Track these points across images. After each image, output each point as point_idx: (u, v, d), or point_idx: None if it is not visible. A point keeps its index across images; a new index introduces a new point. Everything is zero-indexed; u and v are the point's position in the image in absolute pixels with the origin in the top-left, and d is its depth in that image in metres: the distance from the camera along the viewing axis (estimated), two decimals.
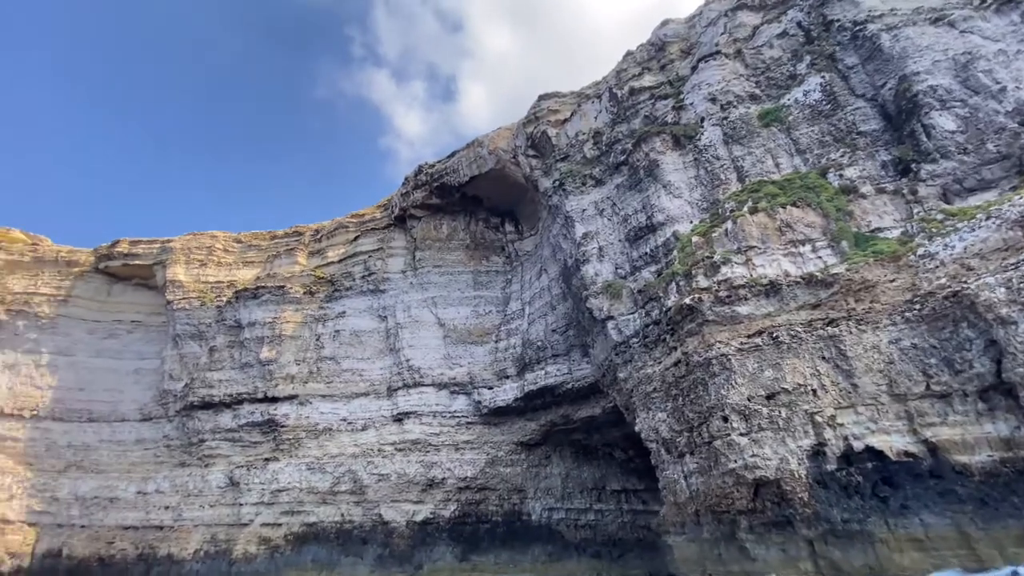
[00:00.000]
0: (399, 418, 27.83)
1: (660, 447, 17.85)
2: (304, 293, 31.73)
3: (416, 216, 31.76)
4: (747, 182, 18.97)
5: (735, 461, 14.97)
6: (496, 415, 27.17)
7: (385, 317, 30.47)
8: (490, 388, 27.61)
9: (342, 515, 27.29)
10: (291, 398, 29.12)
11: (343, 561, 26.94)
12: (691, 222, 18.97)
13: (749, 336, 15.90)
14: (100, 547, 29.53)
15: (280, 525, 27.18)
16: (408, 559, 26.49)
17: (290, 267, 34.18)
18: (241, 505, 27.54)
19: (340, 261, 32.91)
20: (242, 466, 28.51)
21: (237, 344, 31.10)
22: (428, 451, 27.20)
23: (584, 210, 22.33)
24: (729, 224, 17.29)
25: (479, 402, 27.65)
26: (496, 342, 28.91)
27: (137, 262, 35.69)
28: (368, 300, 31.01)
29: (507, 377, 27.01)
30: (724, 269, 16.49)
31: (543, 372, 24.70)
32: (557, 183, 23.70)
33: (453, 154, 30.92)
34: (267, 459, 28.28)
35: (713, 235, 17.39)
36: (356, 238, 33.42)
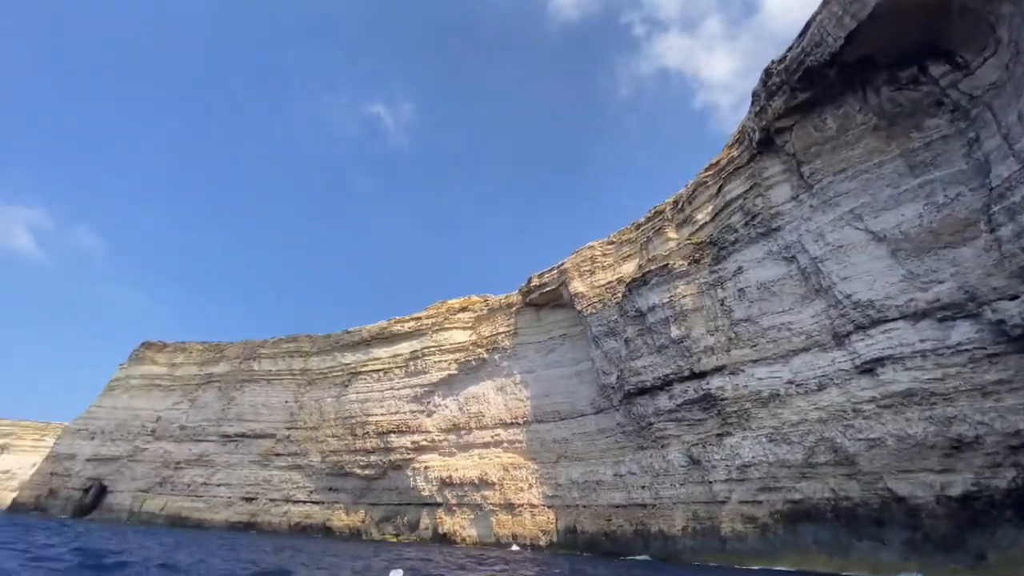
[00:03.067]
0: (868, 368, 20.58)
1: None
2: (689, 264, 28.81)
3: (784, 128, 24.58)
4: None
5: None
6: None
7: (792, 257, 24.10)
8: (1014, 298, 17.26)
9: (833, 491, 21.64)
10: (718, 370, 26.02)
11: (856, 545, 21.00)
12: None
13: None
14: (602, 524, 32.86)
15: (760, 503, 23.74)
16: (957, 545, 18.35)
17: (664, 245, 32.15)
18: (711, 483, 25.60)
19: (713, 219, 28.67)
20: (696, 444, 26.84)
21: (646, 331, 30.59)
22: (935, 403, 18.81)
23: None
24: None
25: (999, 322, 17.56)
26: (991, 231, 18.25)
27: (547, 289, 40.95)
28: (763, 246, 25.40)
29: None
30: None
31: None
32: None
33: (805, 29, 22.68)
34: (719, 434, 25.71)
35: None
36: (719, 189, 28.63)
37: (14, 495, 62.24)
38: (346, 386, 51.09)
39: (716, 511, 25.26)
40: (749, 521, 23.76)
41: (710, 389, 26.03)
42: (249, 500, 50.98)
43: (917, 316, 19.32)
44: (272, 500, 50.27)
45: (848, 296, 21.26)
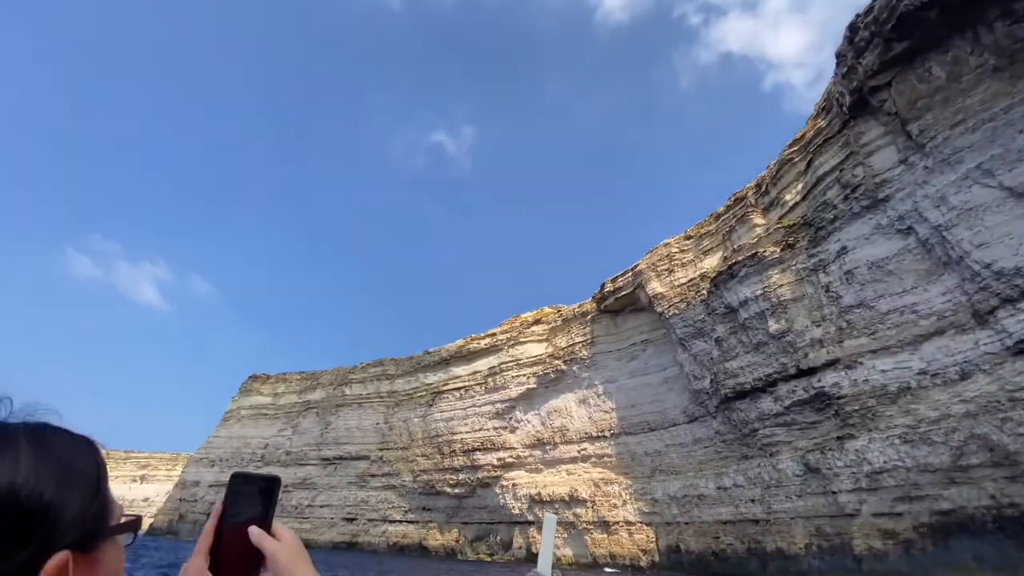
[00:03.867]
0: (1022, 347, 17.31)
1: None
2: (782, 250, 26.30)
3: (880, 86, 21.85)
4: None
5: None
6: None
7: (908, 228, 21.11)
8: None
9: (993, 497, 18.19)
10: (831, 364, 23.19)
11: None
12: None
13: None
14: (709, 542, 30.26)
15: (900, 515, 20.52)
16: None
17: (750, 233, 29.72)
18: (835, 493, 22.63)
19: (805, 198, 26.06)
20: (812, 450, 23.96)
21: (739, 328, 28.21)
22: None
23: None
24: None
25: None
26: None
27: (622, 293, 39.38)
28: (870, 219, 22.54)
29: None
30: None
31: None
32: None
33: None
34: (839, 438, 22.76)
35: None
36: (809, 164, 26.04)
37: (151, 520, 69.82)
38: (430, 405, 52.24)
39: (845, 525, 22.25)
40: (888, 536, 20.62)
41: (823, 387, 23.26)
42: (350, 520, 53.25)
43: None
44: (370, 520, 52.11)
45: (987, 265, 18.13)
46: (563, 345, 43.86)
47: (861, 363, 21.93)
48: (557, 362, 43.45)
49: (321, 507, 55.59)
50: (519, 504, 41.69)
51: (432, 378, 53.45)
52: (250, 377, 69.58)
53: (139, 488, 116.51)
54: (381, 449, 54.34)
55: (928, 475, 19.54)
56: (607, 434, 39.04)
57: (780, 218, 27.24)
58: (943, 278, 19.76)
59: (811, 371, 23.97)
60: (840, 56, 23.10)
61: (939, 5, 19.23)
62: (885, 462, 20.71)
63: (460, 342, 52.70)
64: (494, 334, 49.88)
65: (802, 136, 26.90)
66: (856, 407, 22.00)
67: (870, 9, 21.27)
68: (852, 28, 22.14)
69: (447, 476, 47.48)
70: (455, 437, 48.04)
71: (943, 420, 19.21)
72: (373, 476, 53.83)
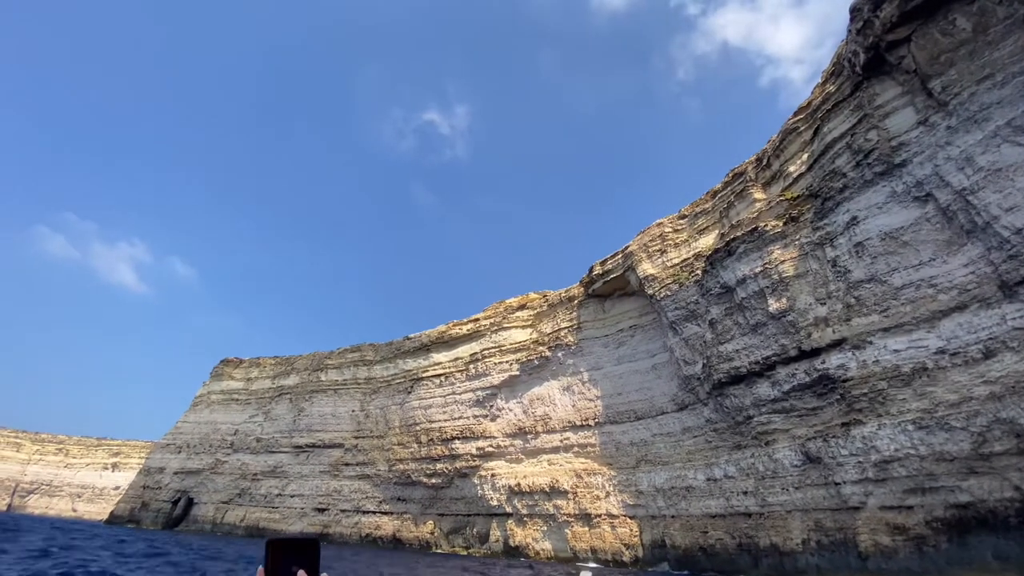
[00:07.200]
0: None
1: None
2: (785, 223, 24.18)
3: (898, 41, 19.78)
4: None
5: None
6: None
7: (927, 195, 19.06)
8: None
9: (1016, 488, 16.18)
10: (836, 344, 21.10)
11: None
12: None
13: None
14: (697, 536, 28.13)
15: (911, 508, 18.50)
16: None
17: (749, 208, 27.63)
18: (838, 485, 20.56)
19: (811, 168, 23.98)
20: (813, 438, 21.88)
21: (735, 308, 26.08)
22: None
23: None
24: None
25: None
26: None
27: (611, 276, 37.15)
28: (884, 187, 20.48)
29: None
30: None
31: None
32: None
33: None
34: (844, 424, 20.69)
35: None
36: (816, 131, 23.95)
37: (112, 509, 65.90)
38: (409, 392, 49.53)
39: (848, 520, 20.16)
40: (897, 532, 18.55)
41: (827, 369, 21.14)
42: (321, 511, 50.29)
43: None
44: (343, 511, 49.23)
45: (1018, 231, 16.11)
46: (548, 331, 41.50)
47: (871, 343, 19.84)
48: (541, 348, 41.07)
49: (292, 496, 52.51)
50: (497, 495, 39.23)
51: (411, 364, 50.73)
52: (222, 361, 66.03)
53: (111, 476, 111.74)
54: (356, 437, 51.44)
55: (945, 464, 17.49)
56: (591, 423, 36.76)
57: (783, 191, 25.12)
58: (965, 248, 17.73)
59: (814, 352, 21.86)
60: (855, 10, 20.96)
61: None
62: (896, 450, 18.64)
63: (442, 328, 50.05)
64: (477, 319, 47.34)
65: (808, 103, 24.82)
66: (864, 390, 19.91)
67: None
68: None
69: (424, 466, 44.82)
70: (433, 425, 45.40)
71: (963, 404, 17.17)
72: (347, 465, 50.91)
